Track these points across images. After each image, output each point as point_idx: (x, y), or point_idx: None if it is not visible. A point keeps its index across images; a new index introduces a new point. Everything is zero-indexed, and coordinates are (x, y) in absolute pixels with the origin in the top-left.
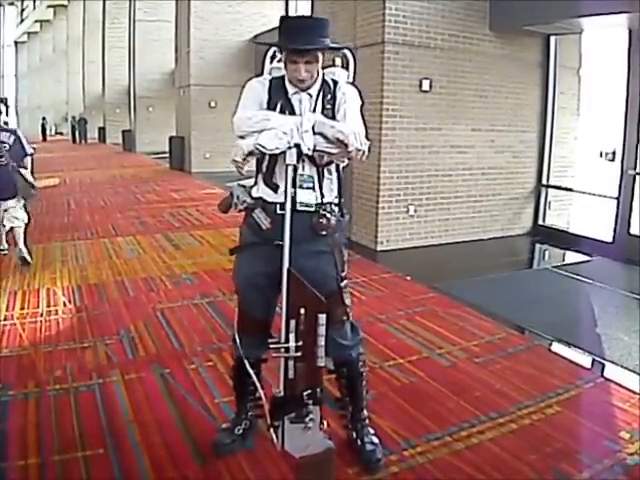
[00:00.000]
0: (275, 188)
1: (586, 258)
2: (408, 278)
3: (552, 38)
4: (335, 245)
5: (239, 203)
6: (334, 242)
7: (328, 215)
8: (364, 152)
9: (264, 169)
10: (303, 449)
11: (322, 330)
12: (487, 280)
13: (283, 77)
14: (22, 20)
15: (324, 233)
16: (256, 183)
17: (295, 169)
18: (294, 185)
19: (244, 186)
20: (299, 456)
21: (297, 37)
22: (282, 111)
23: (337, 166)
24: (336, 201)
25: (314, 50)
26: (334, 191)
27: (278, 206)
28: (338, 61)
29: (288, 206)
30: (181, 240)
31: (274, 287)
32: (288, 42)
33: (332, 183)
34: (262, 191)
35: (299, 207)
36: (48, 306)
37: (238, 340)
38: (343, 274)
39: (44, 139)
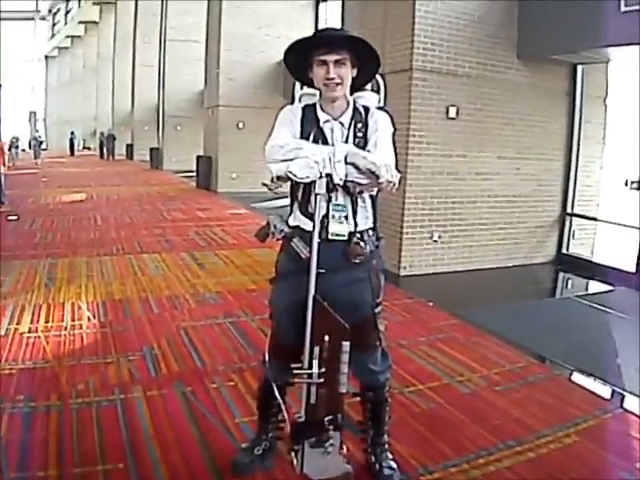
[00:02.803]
0: (311, 217)
1: (609, 288)
2: (430, 304)
3: (579, 67)
4: (372, 271)
5: (276, 232)
6: (371, 268)
7: (362, 243)
8: (394, 184)
9: (299, 198)
10: (322, 473)
11: (345, 358)
12: (510, 308)
13: (314, 105)
14: (53, 35)
15: (357, 261)
16: (292, 212)
17: (330, 198)
18: (327, 215)
19: (281, 215)
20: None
21: (324, 33)
22: (315, 140)
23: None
24: (372, 228)
25: (344, 46)
26: (369, 218)
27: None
28: (368, 85)
29: (316, 235)
30: (206, 259)
31: None
32: (315, 39)
33: (366, 211)
34: (299, 220)
35: (330, 237)
36: (73, 320)
37: (268, 363)
38: (378, 300)
39: (72, 153)
